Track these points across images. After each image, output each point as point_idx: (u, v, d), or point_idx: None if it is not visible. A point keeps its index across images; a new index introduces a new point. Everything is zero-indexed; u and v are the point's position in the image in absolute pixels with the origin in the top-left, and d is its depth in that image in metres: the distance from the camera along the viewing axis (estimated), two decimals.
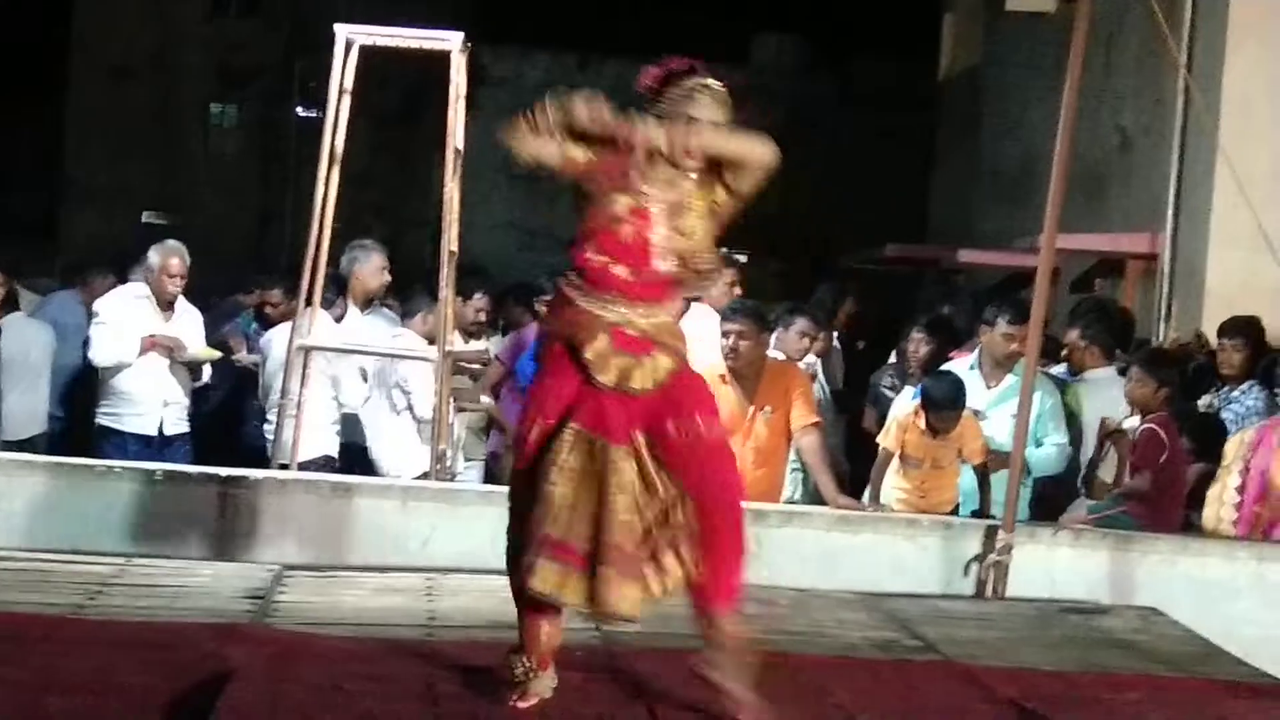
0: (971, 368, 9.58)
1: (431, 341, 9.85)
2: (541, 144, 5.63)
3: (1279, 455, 9.08)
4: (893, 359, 11.34)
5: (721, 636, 5.47)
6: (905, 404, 9.68)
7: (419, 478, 9.52)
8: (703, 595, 5.48)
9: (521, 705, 5.50)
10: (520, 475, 5.60)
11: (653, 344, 5.57)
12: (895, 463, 9.24)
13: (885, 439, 9.28)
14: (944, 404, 9.00)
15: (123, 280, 11.40)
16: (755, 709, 5.40)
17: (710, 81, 5.76)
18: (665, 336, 5.63)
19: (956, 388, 9.09)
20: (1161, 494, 9.14)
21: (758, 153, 5.64)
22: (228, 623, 6.48)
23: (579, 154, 5.65)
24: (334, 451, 10.18)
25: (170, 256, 10.68)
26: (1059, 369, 10.27)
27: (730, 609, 5.49)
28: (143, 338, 10.57)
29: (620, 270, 5.56)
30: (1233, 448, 9.18)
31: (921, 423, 9.10)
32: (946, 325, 11.06)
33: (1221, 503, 9.11)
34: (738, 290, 10.47)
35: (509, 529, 5.62)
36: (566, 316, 5.62)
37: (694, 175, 5.64)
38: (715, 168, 5.66)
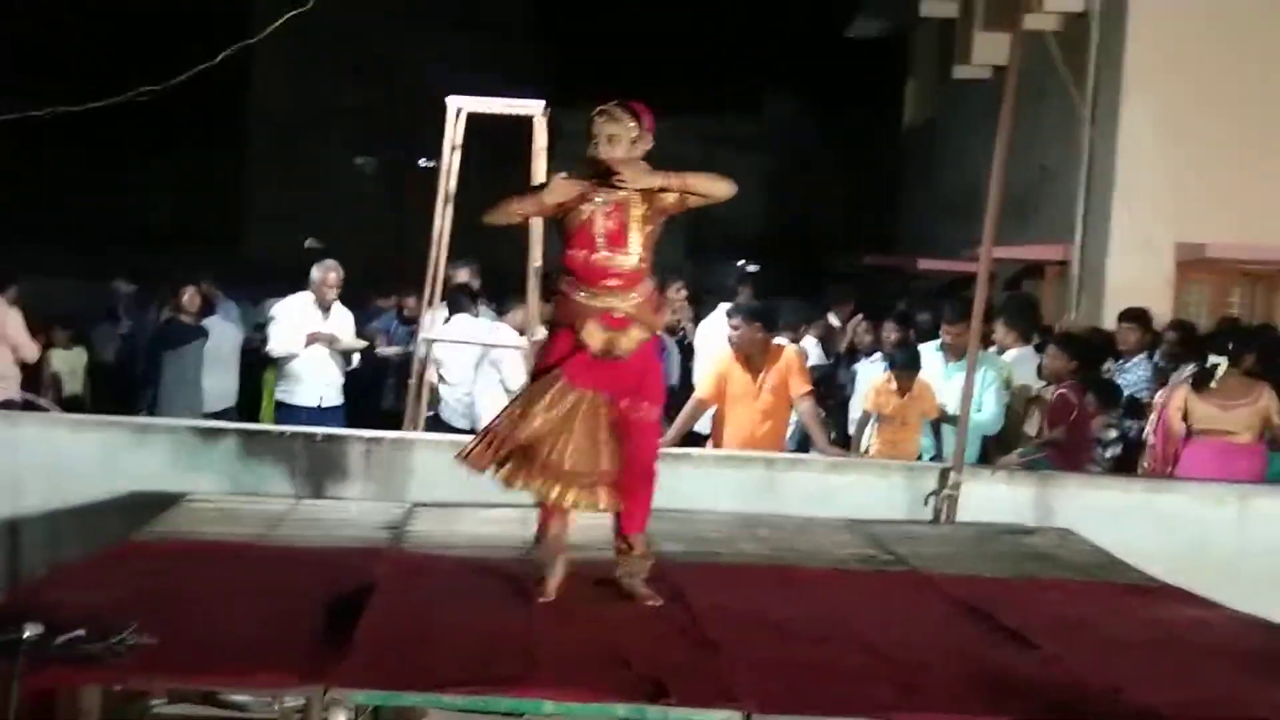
0: (937, 349, 9.63)
1: (522, 333, 9.90)
2: (514, 216, 5.75)
3: (1173, 404, 9.12)
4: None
5: (631, 549, 5.83)
6: (877, 373, 9.68)
7: None
8: (622, 522, 5.83)
9: (541, 600, 5.63)
10: (528, 389, 5.79)
11: (630, 321, 5.70)
12: (872, 422, 9.25)
13: (865, 402, 9.29)
14: (907, 365, 9.09)
15: (295, 289, 11.50)
16: (650, 598, 5.72)
17: (605, 107, 5.73)
18: (641, 314, 5.75)
19: (913, 354, 9.18)
20: (1072, 443, 9.15)
21: (719, 190, 5.74)
22: (371, 547, 6.52)
23: (552, 196, 5.73)
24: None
25: (328, 271, 10.77)
26: (992, 349, 10.25)
27: (636, 532, 5.84)
28: (307, 334, 10.63)
29: (598, 260, 5.65)
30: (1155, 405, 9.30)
31: (893, 385, 9.10)
32: (907, 317, 11.16)
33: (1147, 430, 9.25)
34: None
35: (503, 410, 5.80)
36: (567, 307, 5.75)
37: (639, 190, 5.69)
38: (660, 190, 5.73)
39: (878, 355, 10.24)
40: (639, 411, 5.76)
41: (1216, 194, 14.18)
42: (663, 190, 5.68)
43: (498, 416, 5.79)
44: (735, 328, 8.99)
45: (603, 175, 5.69)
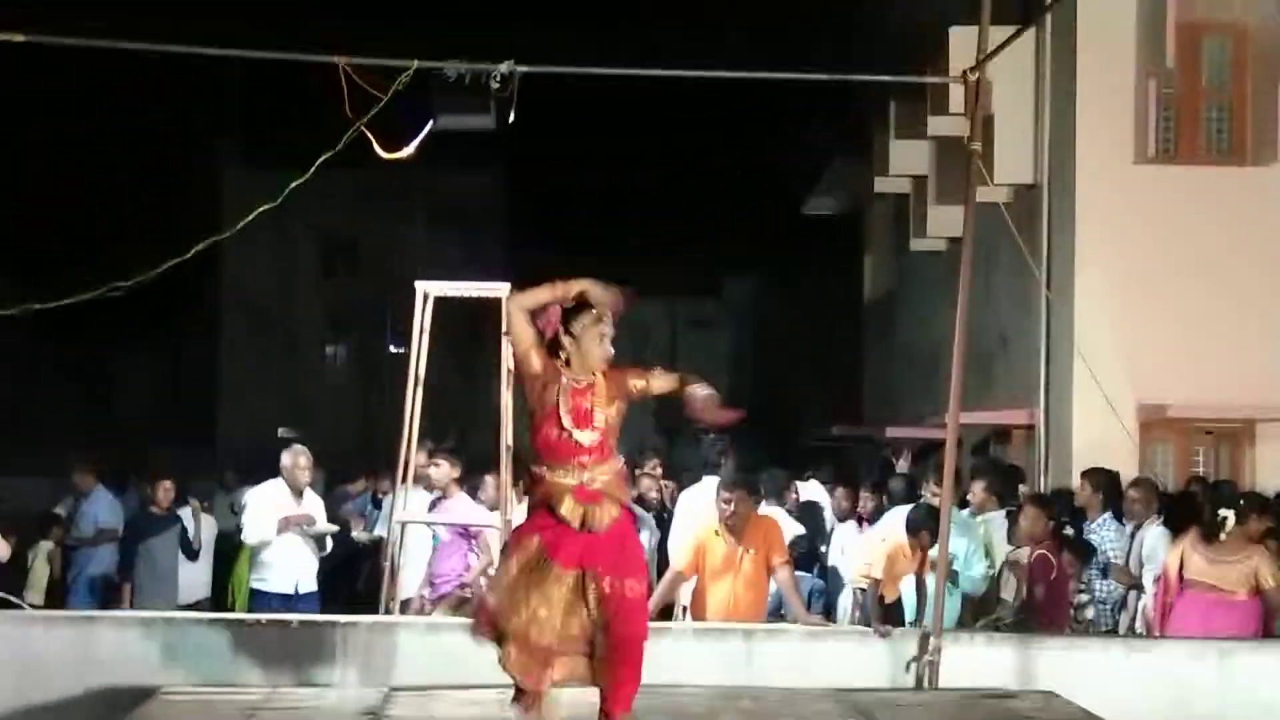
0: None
1: (494, 509, 9.86)
2: (528, 318, 5.93)
3: (1173, 555, 9.14)
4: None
5: None
6: (878, 538, 9.61)
7: None
8: (606, 700, 5.85)
9: None
10: (505, 566, 5.92)
11: (603, 495, 5.83)
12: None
13: (874, 568, 9.20)
14: (922, 524, 9.02)
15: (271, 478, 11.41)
16: None
17: (597, 313, 5.99)
18: (612, 490, 5.90)
19: (929, 510, 9.16)
20: (1052, 603, 9.08)
21: (696, 395, 6.00)
22: None
23: (537, 360, 5.90)
24: None
25: (298, 455, 10.73)
26: (966, 511, 10.23)
27: (623, 712, 5.87)
28: (279, 520, 10.51)
29: (567, 439, 5.80)
30: (1135, 565, 9.34)
31: (905, 548, 9.09)
32: (881, 485, 11.23)
33: (1145, 606, 9.24)
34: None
35: (490, 588, 5.97)
36: (541, 488, 5.89)
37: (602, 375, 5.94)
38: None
39: (889, 516, 10.11)
40: (624, 588, 5.78)
41: (1176, 354, 14.28)
42: (632, 383, 5.96)
43: (488, 589, 5.82)
44: (729, 501, 8.91)
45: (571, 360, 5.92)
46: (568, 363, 5.97)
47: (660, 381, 6.10)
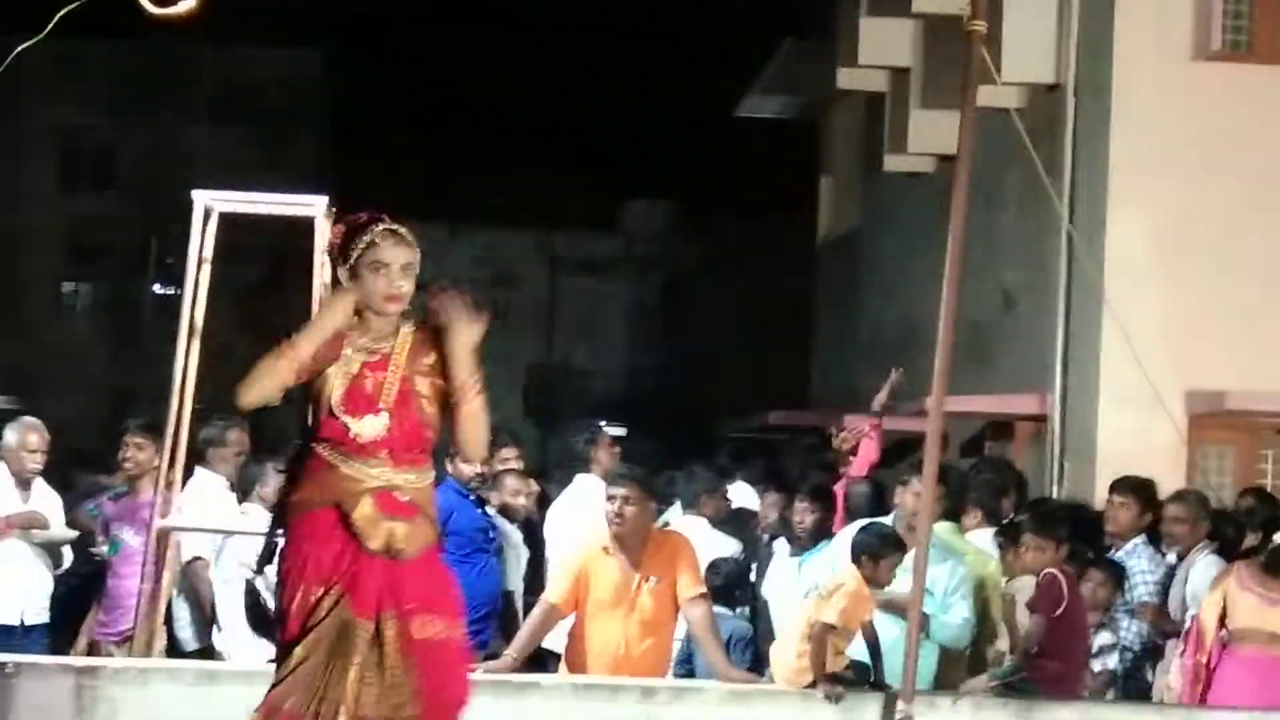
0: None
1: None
2: (276, 382, 5.83)
3: (1212, 597, 9.20)
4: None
5: None
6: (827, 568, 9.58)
7: None
8: None
9: None
10: (283, 642, 5.83)
11: (416, 509, 5.82)
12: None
13: (828, 612, 9.16)
14: (880, 548, 8.99)
15: None
16: None
17: (394, 226, 5.91)
18: (428, 505, 5.90)
19: (883, 532, 9.14)
20: (1062, 648, 9.13)
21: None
22: None
23: (306, 354, 5.83)
24: None
25: (29, 433, 10.59)
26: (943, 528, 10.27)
27: None
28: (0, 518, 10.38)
29: (374, 425, 5.75)
30: (1176, 609, 9.38)
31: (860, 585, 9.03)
32: (825, 492, 11.20)
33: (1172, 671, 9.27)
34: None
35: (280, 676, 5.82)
36: (323, 481, 5.80)
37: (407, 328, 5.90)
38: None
39: (845, 535, 10.12)
40: (433, 629, 5.78)
41: (1240, 324, 14.52)
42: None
43: (276, 677, 5.77)
44: (623, 502, 8.88)
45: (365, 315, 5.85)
46: (356, 312, 5.86)
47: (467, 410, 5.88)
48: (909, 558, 9.23)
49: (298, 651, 5.75)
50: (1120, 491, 10.93)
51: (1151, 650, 10.07)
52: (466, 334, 5.79)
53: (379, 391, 5.80)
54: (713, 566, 9.96)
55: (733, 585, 10.47)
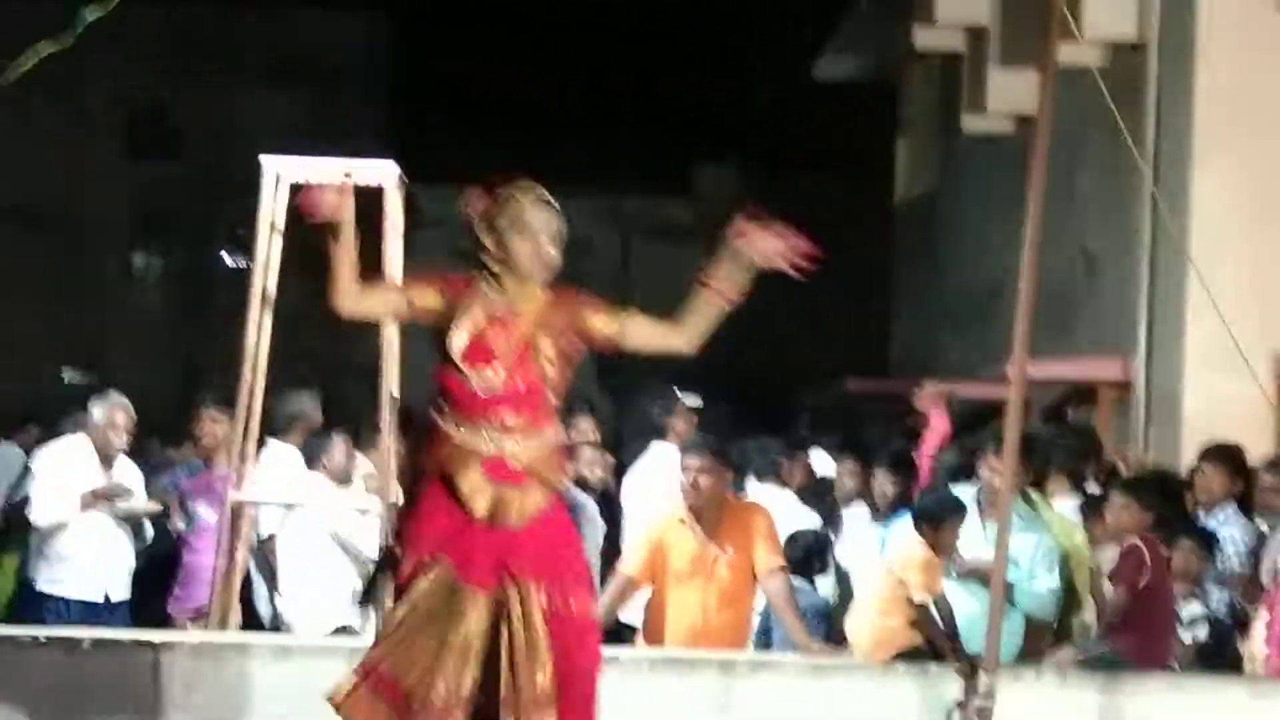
0: (973, 500, 9.53)
1: (341, 483, 9.94)
2: (371, 305, 6.04)
3: None
4: None
5: None
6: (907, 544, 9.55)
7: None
8: None
9: None
10: (401, 602, 5.88)
11: (528, 476, 5.86)
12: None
13: (911, 586, 9.15)
14: (940, 513, 9.00)
15: (48, 437, 11.36)
16: None
17: (545, 194, 6.07)
18: (542, 469, 5.92)
19: (944, 497, 9.16)
20: (1147, 619, 9.12)
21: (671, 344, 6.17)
22: None
23: (429, 294, 5.98)
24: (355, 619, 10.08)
25: (116, 411, 10.70)
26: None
27: None
28: (83, 494, 10.47)
29: (489, 384, 5.82)
30: (1267, 577, 9.29)
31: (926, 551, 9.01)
32: (906, 461, 11.21)
33: (1255, 639, 9.21)
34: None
35: (381, 638, 5.97)
36: (439, 450, 5.89)
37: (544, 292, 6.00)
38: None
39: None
40: (565, 608, 5.83)
41: None
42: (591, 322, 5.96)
43: (375, 639, 5.79)
44: (697, 472, 8.92)
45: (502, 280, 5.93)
46: (492, 274, 5.95)
47: (642, 328, 6.09)
48: (993, 528, 9.25)
49: (398, 614, 5.83)
50: (1210, 459, 10.91)
51: (1242, 621, 10.05)
52: (758, 260, 6.03)
53: (499, 346, 5.88)
54: (792, 538, 10.00)
55: (812, 557, 10.49)
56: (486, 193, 6.06)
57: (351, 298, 5.89)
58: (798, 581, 9.60)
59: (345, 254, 5.82)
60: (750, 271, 6.07)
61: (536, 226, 5.96)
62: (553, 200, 6.03)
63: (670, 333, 6.16)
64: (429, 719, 5.71)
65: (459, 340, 5.88)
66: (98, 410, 10.70)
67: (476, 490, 5.82)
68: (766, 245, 6.02)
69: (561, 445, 6.10)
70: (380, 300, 6.09)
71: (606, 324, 6.07)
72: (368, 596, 9.17)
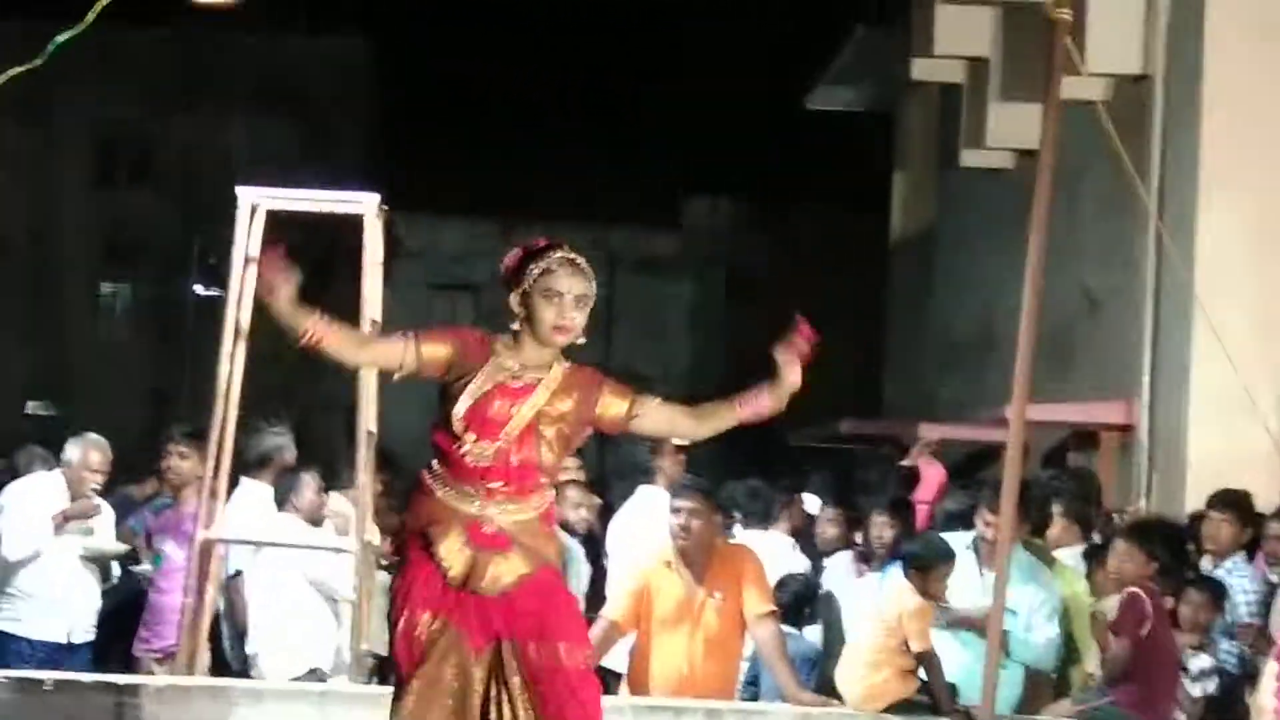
0: (968, 548, 9.50)
1: (313, 523, 9.91)
2: (384, 354, 6.03)
3: None
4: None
5: None
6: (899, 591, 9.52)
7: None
8: None
9: None
10: (396, 666, 5.97)
11: (508, 542, 5.89)
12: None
13: (910, 636, 9.12)
14: (929, 558, 8.97)
15: (12, 477, 11.29)
16: None
17: (574, 255, 6.08)
18: (526, 536, 5.93)
19: (933, 542, 9.14)
20: (1149, 671, 9.09)
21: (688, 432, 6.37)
22: None
23: (443, 346, 5.97)
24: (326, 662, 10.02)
25: (92, 451, 10.67)
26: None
27: None
28: (53, 515, 10.43)
29: (481, 451, 5.85)
30: (1277, 628, 9.27)
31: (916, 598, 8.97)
32: (905, 506, 11.22)
33: (1263, 690, 9.15)
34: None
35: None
36: (421, 507, 5.94)
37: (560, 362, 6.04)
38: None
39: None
40: (553, 659, 5.86)
41: None
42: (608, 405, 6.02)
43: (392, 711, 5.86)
44: (689, 514, 8.90)
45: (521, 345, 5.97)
46: (513, 334, 6.01)
47: (656, 415, 6.13)
48: (990, 577, 9.21)
49: (413, 685, 5.87)
50: (1218, 506, 10.94)
51: (1251, 673, 10.01)
52: (790, 387, 6.15)
53: (504, 420, 5.90)
54: (781, 583, 9.97)
55: (801, 603, 10.45)
56: (522, 251, 6.07)
57: (351, 349, 6.00)
58: (787, 628, 9.57)
59: (336, 335, 5.89)
60: (785, 400, 6.20)
61: (560, 289, 5.97)
62: (582, 262, 6.05)
63: (682, 422, 6.27)
64: None
65: (461, 405, 5.90)
66: (73, 450, 10.67)
67: (453, 553, 5.87)
68: (797, 365, 6.19)
69: (550, 511, 6.12)
70: (385, 351, 6.06)
71: (621, 409, 6.09)
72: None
